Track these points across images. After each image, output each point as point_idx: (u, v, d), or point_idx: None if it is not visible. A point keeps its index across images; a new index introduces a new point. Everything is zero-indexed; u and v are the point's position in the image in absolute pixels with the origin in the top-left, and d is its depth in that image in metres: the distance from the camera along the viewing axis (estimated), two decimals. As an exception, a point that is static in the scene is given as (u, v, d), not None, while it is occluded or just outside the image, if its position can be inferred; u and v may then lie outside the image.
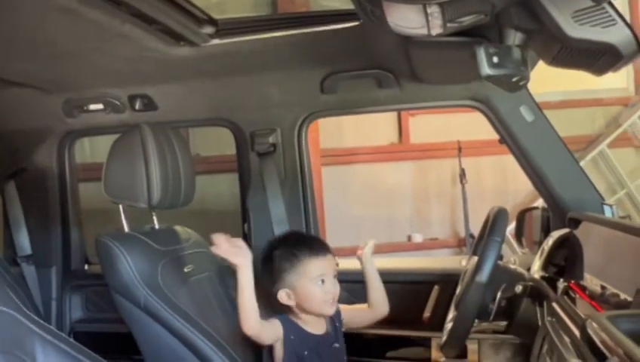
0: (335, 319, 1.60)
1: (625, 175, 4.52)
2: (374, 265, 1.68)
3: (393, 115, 4.35)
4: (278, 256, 1.54)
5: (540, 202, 1.94)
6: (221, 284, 1.73)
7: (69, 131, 2.13)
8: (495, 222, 1.40)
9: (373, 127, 4.34)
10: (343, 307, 1.67)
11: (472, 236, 4.22)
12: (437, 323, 1.92)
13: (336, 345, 1.58)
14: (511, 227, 4.33)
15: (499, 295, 1.38)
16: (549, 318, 1.27)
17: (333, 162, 4.19)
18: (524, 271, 1.54)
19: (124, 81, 1.93)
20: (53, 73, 1.78)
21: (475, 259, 1.59)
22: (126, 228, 1.61)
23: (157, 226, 1.71)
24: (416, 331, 1.92)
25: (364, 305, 1.68)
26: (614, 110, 4.63)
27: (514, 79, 1.08)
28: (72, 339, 0.96)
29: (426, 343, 1.91)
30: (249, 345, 1.53)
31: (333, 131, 4.19)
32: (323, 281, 1.50)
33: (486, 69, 1.05)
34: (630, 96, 4.59)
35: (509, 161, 4.61)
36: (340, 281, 1.57)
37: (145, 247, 1.54)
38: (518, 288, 1.36)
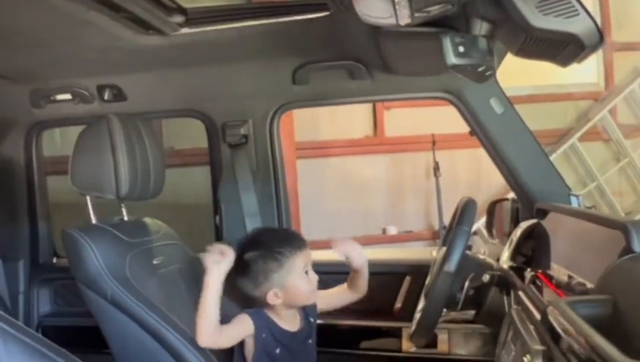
0: (310, 313, 1.59)
1: (595, 168, 4.61)
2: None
3: (368, 109, 4.36)
4: (261, 257, 1.47)
5: (512, 194, 1.97)
6: (192, 277, 1.71)
7: (36, 122, 2.09)
8: (463, 212, 1.41)
9: (348, 121, 4.35)
10: (322, 293, 1.63)
11: (445, 228, 4.25)
12: (408, 314, 1.93)
13: (310, 341, 1.57)
14: (483, 219, 4.40)
15: (467, 284, 1.40)
16: (515, 306, 1.29)
17: (308, 155, 4.19)
18: (492, 261, 1.56)
19: (92, 71, 1.90)
20: (19, 62, 1.74)
21: (443, 249, 1.61)
22: (94, 220, 1.59)
23: (126, 218, 1.69)
24: (387, 321, 1.94)
25: (342, 286, 1.65)
26: (585, 105, 4.71)
27: (480, 69, 1.09)
28: (39, 334, 0.94)
29: (396, 333, 1.92)
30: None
31: (309, 124, 4.19)
32: (307, 272, 1.49)
33: (452, 58, 1.06)
34: (600, 91, 4.67)
35: (483, 154, 4.66)
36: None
37: (113, 239, 1.52)
38: (486, 277, 1.38)
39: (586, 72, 4.70)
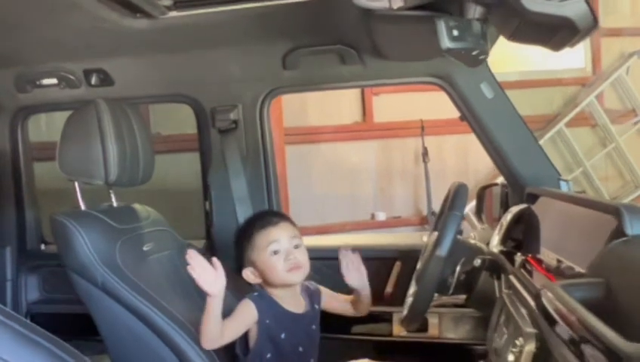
0: (314, 300, 1.59)
1: (581, 153, 4.64)
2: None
3: (357, 94, 4.35)
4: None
5: (500, 179, 1.97)
6: (182, 263, 1.70)
7: (22, 107, 2.06)
8: (455, 197, 1.42)
9: (337, 106, 4.33)
10: (329, 292, 1.65)
11: (434, 214, 4.28)
12: (398, 299, 1.94)
13: (314, 326, 1.57)
14: (472, 204, 4.43)
15: (458, 268, 1.40)
16: (506, 291, 1.30)
17: (297, 141, 4.18)
18: (483, 246, 1.57)
19: (78, 55, 1.87)
20: (3, 46, 1.71)
21: (435, 234, 1.61)
22: (82, 207, 1.57)
23: (115, 204, 1.67)
24: (378, 306, 1.94)
25: (348, 297, 1.65)
26: (572, 90, 4.73)
27: (474, 53, 1.09)
28: (27, 320, 0.93)
29: (387, 318, 1.93)
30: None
31: (297, 110, 4.17)
32: (277, 250, 1.47)
33: (446, 42, 1.05)
34: (588, 76, 4.69)
35: (471, 139, 4.67)
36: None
37: (102, 225, 1.50)
38: (477, 262, 1.38)
39: (573, 58, 4.72)
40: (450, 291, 1.41)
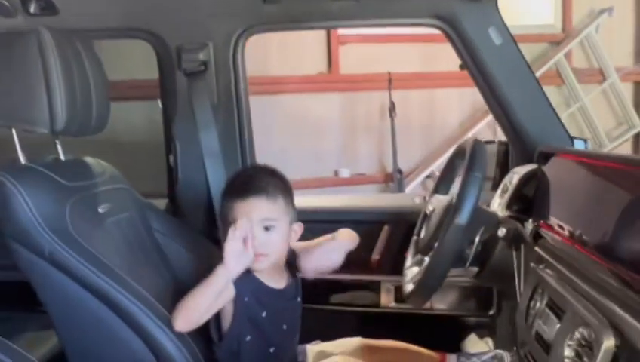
0: (294, 267, 1.38)
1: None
2: None
3: (323, 43, 4.08)
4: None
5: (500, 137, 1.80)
6: (145, 227, 1.46)
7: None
8: (474, 155, 1.22)
9: (301, 55, 4.05)
10: (300, 248, 1.41)
11: (399, 172, 4.12)
12: (387, 267, 1.78)
13: (298, 299, 1.38)
14: (441, 160, 4.29)
15: (477, 239, 1.22)
16: (535, 265, 1.13)
17: (257, 91, 3.86)
18: (496, 212, 1.40)
19: (13, -25, 1.54)
20: None
21: (440, 197, 1.42)
22: (22, 161, 1.28)
23: (62, 157, 1.39)
24: (364, 275, 1.77)
25: (323, 241, 1.41)
26: (540, 47, 4.60)
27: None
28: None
29: (374, 287, 1.76)
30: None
31: (258, 58, 3.85)
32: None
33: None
34: (557, 33, 4.57)
35: (439, 95, 4.48)
36: None
37: (48, 183, 1.23)
38: (502, 231, 1.20)
39: (542, 14, 4.58)
40: (467, 264, 1.23)
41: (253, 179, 1.29)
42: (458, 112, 4.33)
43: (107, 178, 1.44)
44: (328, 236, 1.41)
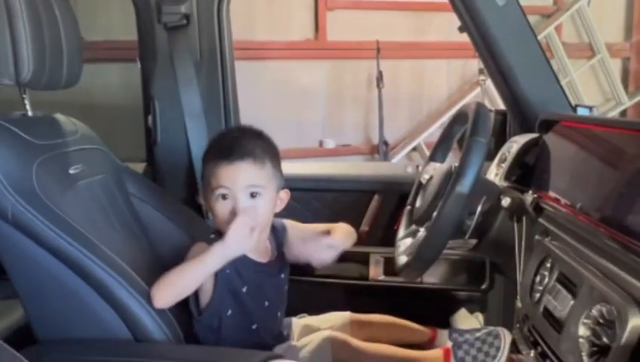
0: (281, 240, 1.30)
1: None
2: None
3: (310, 9, 3.94)
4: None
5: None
6: (121, 191, 1.36)
7: None
8: (477, 119, 1.13)
9: (287, 21, 3.92)
10: (295, 228, 1.33)
11: (385, 143, 4.04)
12: (376, 238, 1.70)
13: (282, 275, 1.29)
14: (428, 132, 4.21)
15: (479, 209, 1.14)
16: (540, 237, 1.06)
17: (241, 56, 3.73)
18: (495, 182, 1.32)
19: None
20: None
21: (437, 165, 1.34)
22: (-16, 115, 1.16)
23: (30, 113, 1.27)
24: (353, 246, 1.69)
25: (322, 229, 1.34)
26: (531, 20, 4.50)
27: None
28: None
29: (362, 259, 1.68)
30: (162, 271, 1.15)
31: (243, 22, 3.71)
32: (225, 197, 1.16)
33: None
34: (548, 5, 4.49)
35: (428, 66, 4.38)
36: None
37: (13, 139, 1.12)
38: (506, 201, 1.12)
39: (534, -14, 4.48)
40: (467, 235, 1.15)
41: (240, 142, 1.19)
42: (446, 84, 4.24)
43: (79, 137, 1.33)
44: (323, 228, 1.33)
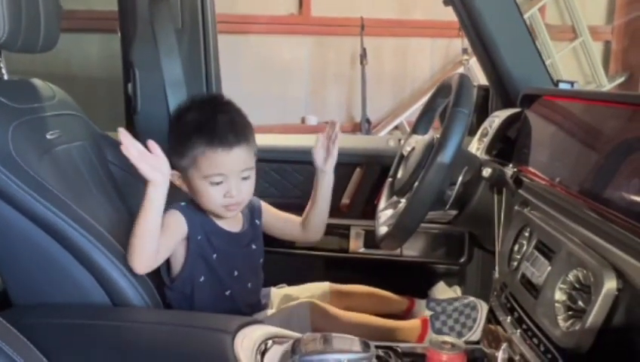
0: (255, 216, 1.30)
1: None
2: (332, 180, 1.33)
3: (294, -18, 3.90)
4: (176, 129, 1.20)
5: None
6: (99, 158, 1.34)
7: None
8: (459, 90, 1.14)
9: (271, -7, 3.88)
10: (270, 210, 1.34)
11: (368, 121, 4.04)
12: (357, 211, 1.71)
13: (253, 246, 1.28)
14: (410, 111, 4.21)
15: (460, 179, 1.15)
16: (520, 208, 1.07)
17: (223, 30, 3.68)
18: (475, 154, 1.33)
19: None
20: None
21: (419, 137, 1.34)
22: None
23: (6, 77, 1.24)
24: (334, 219, 1.69)
25: (296, 218, 1.36)
26: (515, 1, 4.52)
27: None
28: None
29: (343, 232, 1.69)
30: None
31: (225, -6, 3.67)
32: (220, 182, 1.15)
33: None
34: (532, -14, 4.49)
35: (411, 44, 4.37)
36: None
37: (-12, 102, 1.09)
38: (486, 172, 1.13)
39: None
40: (447, 206, 1.16)
41: (234, 125, 1.16)
42: (430, 63, 4.24)
43: (57, 102, 1.30)
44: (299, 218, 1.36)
